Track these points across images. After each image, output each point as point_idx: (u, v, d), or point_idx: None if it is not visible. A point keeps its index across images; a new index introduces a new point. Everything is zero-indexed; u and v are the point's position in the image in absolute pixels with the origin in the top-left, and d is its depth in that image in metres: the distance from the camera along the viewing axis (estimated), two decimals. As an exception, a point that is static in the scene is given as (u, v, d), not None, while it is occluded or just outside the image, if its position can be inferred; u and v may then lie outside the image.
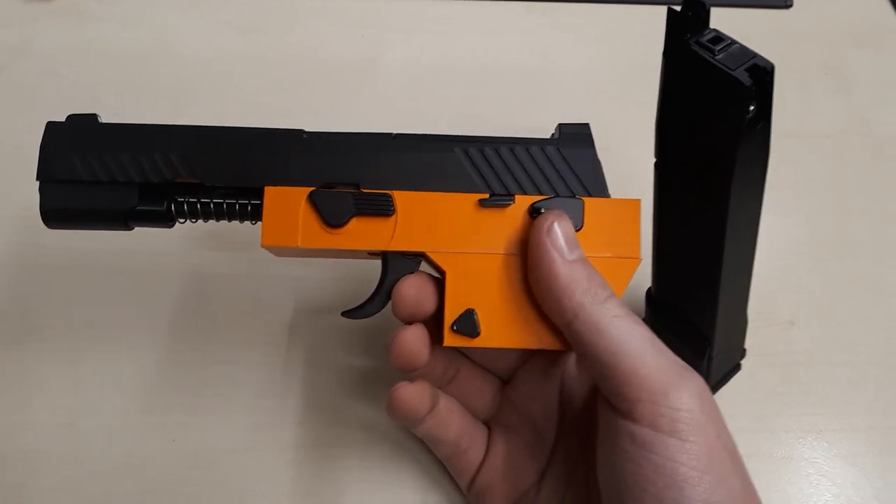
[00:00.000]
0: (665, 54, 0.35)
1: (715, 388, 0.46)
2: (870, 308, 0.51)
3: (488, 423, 0.42)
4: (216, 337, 0.49)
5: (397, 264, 0.36)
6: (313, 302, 0.50)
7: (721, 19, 0.64)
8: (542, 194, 0.36)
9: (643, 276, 0.44)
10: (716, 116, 0.34)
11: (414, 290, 0.36)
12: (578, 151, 0.37)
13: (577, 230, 0.36)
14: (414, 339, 0.36)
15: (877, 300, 0.51)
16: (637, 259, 0.36)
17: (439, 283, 0.36)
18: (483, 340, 0.35)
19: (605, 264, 0.35)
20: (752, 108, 0.33)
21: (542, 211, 0.36)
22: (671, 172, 0.38)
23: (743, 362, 0.47)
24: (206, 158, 0.36)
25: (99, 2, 0.66)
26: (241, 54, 0.63)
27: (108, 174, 0.36)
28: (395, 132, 0.37)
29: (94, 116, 0.37)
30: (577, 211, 0.36)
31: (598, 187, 0.36)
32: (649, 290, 0.45)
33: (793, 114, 0.60)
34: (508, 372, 0.42)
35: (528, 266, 0.35)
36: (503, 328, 0.35)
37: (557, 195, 0.36)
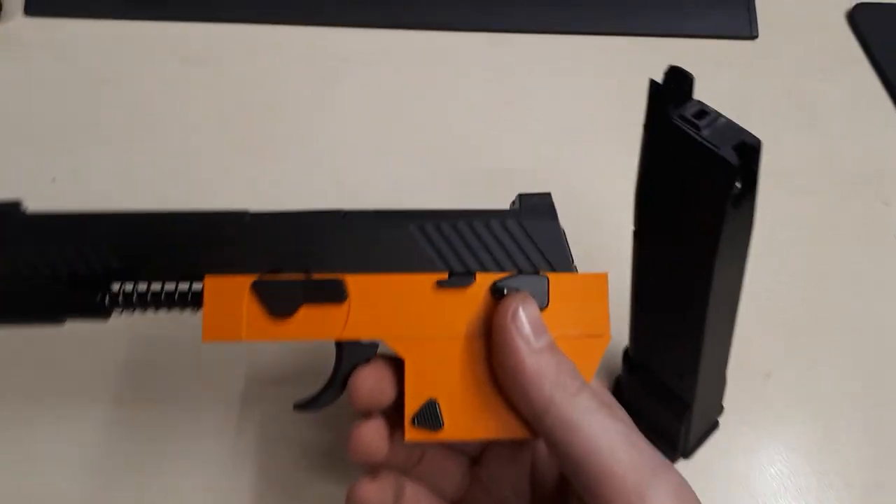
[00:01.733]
0: (647, 127, 0.33)
1: (693, 449, 0.45)
2: (847, 349, 0.50)
3: None
4: (164, 410, 0.46)
5: (353, 351, 0.34)
6: (267, 370, 0.48)
7: (688, 50, 0.64)
8: (503, 271, 0.34)
9: (621, 334, 0.43)
10: (700, 192, 0.32)
11: (371, 382, 0.33)
12: (540, 223, 0.35)
13: (542, 309, 0.34)
14: (372, 435, 0.34)
15: (854, 339, 0.50)
16: (606, 337, 0.34)
17: (399, 367, 0.34)
18: (447, 433, 0.33)
19: (573, 345, 0.33)
20: (738, 185, 0.31)
21: (505, 292, 0.33)
22: (650, 242, 0.37)
23: (721, 419, 0.46)
24: (139, 248, 0.34)
25: (36, 31, 0.62)
26: (190, 87, 0.60)
27: (33, 270, 0.33)
28: (345, 209, 0.35)
29: (16, 205, 0.35)
30: (542, 288, 0.34)
31: (563, 261, 0.34)
32: (626, 349, 0.44)
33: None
34: (477, 450, 0.40)
35: (492, 353, 0.33)
36: (468, 418, 0.33)
37: (520, 272, 0.34)
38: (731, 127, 0.31)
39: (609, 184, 0.51)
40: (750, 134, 0.31)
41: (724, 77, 0.63)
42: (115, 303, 0.34)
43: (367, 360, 0.34)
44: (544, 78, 0.62)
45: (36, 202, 0.52)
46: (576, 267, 0.35)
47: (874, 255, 0.55)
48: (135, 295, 0.34)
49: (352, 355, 0.34)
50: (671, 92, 0.32)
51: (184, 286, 0.34)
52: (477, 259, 0.34)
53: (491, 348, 0.33)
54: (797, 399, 0.48)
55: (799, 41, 0.66)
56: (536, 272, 0.34)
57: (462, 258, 0.34)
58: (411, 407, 0.33)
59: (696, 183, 0.32)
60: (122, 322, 0.46)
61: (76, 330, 0.46)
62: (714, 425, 0.46)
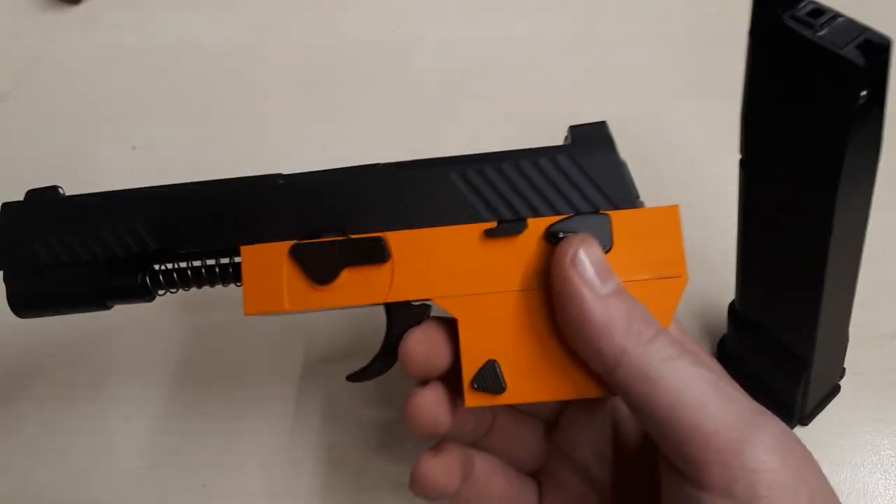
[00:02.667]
0: (752, 33, 0.29)
1: (811, 414, 0.40)
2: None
3: (537, 476, 0.36)
4: (224, 391, 0.44)
5: (401, 314, 0.31)
6: (325, 347, 0.45)
7: None
8: (558, 214, 0.31)
9: (726, 287, 0.39)
10: (820, 104, 0.28)
11: (422, 347, 0.30)
12: (596, 157, 0.31)
13: (607, 252, 0.30)
14: (430, 404, 0.31)
15: None
16: (683, 277, 0.30)
17: (454, 328, 0.31)
18: (510, 396, 0.30)
19: (646, 289, 0.30)
20: (864, 92, 0.27)
21: (562, 235, 0.30)
22: (761, 171, 0.33)
23: (842, 382, 0.41)
24: (173, 223, 0.32)
25: (113, 8, 0.63)
26: (260, 53, 0.59)
27: (73, 255, 0.32)
28: (381, 163, 0.32)
29: (54, 190, 0.34)
30: (604, 229, 0.30)
31: (625, 197, 0.30)
32: (732, 303, 0.40)
33: None
34: (552, 414, 0.36)
35: (554, 304, 0.29)
36: (532, 378, 0.30)
37: (578, 213, 0.30)
38: (854, 26, 0.27)
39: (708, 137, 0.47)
40: (876, 32, 0.27)
41: None
42: (157, 283, 0.33)
43: (418, 323, 0.31)
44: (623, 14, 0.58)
45: (117, 169, 0.53)
46: (642, 202, 0.31)
47: None
48: (175, 273, 0.33)
49: (401, 319, 0.31)
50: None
51: (224, 259, 0.33)
52: (527, 203, 0.31)
53: (552, 299, 0.30)
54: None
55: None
56: (596, 211, 0.30)
57: (511, 203, 0.31)
58: (469, 370, 0.30)
59: (814, 94, 0.28)
60: (177, 303, 0.46)
61: (139, 314, 0.46)
62: (835, 389, 0.41)
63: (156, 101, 0.57)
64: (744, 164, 0.33)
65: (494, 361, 0.30)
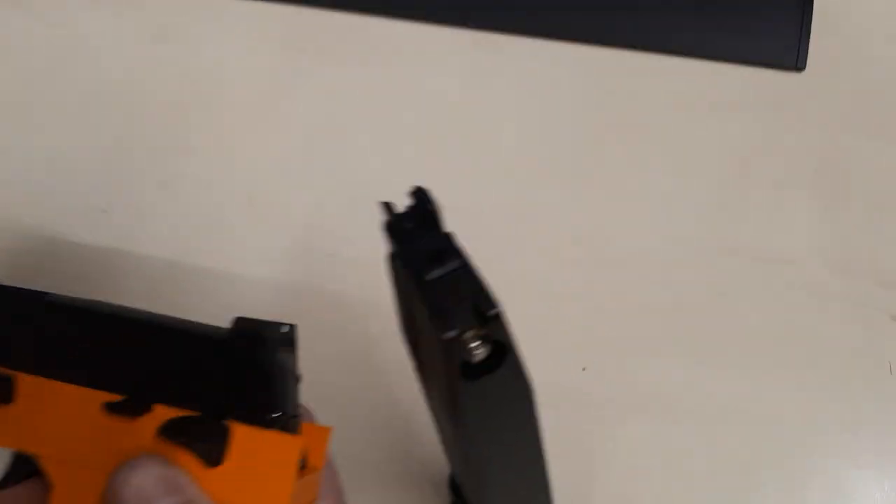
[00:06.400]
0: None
1: None
2: None
3: None
4: None
5: (16, 461, 0.29)
6: None
7: (714, 78, 0.52)
8: (187, 409, 0.28)
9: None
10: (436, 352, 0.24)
11: None
12: (256, 360, 0.28)
13: (214, 466, 0.27)
14: None
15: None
16: None
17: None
18: None
19: None
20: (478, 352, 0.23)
21: (167, 437, 0.27)
22: (423, 381, 0.29)
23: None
24: None
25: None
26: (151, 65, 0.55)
27: None
28: (53, 293, 0.30)
29: None
30: (219, 440, 0.27)
31: (260, 413, 0.27)
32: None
33: (756, 224, 0.48)
34: None
35: None
36: None
37: (205, 414, 0.28)
38: (471, 283, 0.23)
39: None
40: (488, 297, 0.23)
41: (747, 118, 0.51)
42: None
43: (27, 476, 0.29)
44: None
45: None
46: (297, 421, 0.28)
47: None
48: None
49: (13, 465, 0.29)
50: (413, 216, 0.24)
51: None
52: (162, 386, 0.28)
53: None
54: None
55: (862, 75, 0.52)
56: (222, 419, 0.28)
57: (144, 381, 0.28)
58: None
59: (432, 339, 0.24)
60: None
61: None
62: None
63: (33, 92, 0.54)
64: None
65: None
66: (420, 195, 0.24)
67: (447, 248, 0.23)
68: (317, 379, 0.42)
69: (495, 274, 0.45)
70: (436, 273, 0.23)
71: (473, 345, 0.23)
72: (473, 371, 0.23)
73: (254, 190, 0.50)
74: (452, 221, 0.46)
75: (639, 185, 0.50)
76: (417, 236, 0.24)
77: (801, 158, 0.50)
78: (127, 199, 0.50)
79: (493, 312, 0.22)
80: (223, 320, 0.29)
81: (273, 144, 0.51)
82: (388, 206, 0.24)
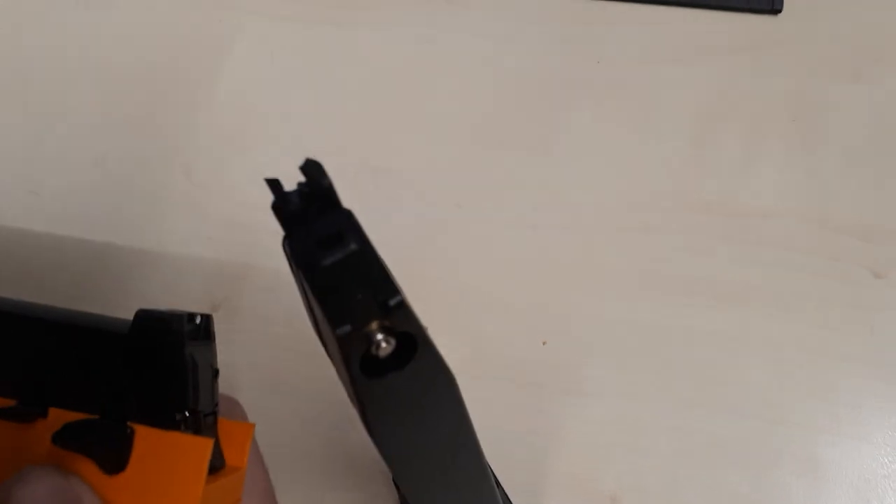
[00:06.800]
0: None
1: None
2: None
3: None
4: None
5: None
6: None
7: (684, 25, 0.49)
8: (84, 412, 0.25)
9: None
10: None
11: None
12: (159, 358, 0.25)
13: (115, 473, 0.25)
14: None
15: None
16: None
17: None
18: None
19: None
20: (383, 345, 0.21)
21: (59, 443, 0.25)
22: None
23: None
24: None
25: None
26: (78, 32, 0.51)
27: None
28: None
29: None
30: (122, 445, 0.25)
31: (165, 414, 0.25)
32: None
33: (729, 178, 0.45)
34: None
35: None
36: None
37: (104, 417, 0.25)
38: (370, 268, 0.20)
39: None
40: (389, 284, 0.20)
41: (720, 66, 0.48)
42: None
43: None
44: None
45: None
46: (211, 419, 0.26)
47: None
48: None
49: None
50: (306, 195, 0.21)
51: None
52: (57, 388, 0.25)
53: None
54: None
55: (837, 17, 0.49)
56: (124, 421, 0.25)
57: (37, 383, 0.25)
58: None
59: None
60: None
61: None
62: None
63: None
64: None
65: None
66: (312, 169, 0.21)
67: (343, 230, 0.20)
68: (253, 361, 0.40)
69: (451, 241, 0.44)
70: (328, 259, 0.20)
71: (378, 337, 0.20)
72: (379, 367, 0.21)
73: (191, 164, 0.47)
74: (404, 186, 0.44)
75: (604, 142, 0.46)
76: (311, 217, 0.21)
77: (777, 107, 0.47)
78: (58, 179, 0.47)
79: (394, 301, 0.19)
80: (160, 304, 0.26)
81: (208, 113, 0.48)
82: (274, 184, 0.21)
